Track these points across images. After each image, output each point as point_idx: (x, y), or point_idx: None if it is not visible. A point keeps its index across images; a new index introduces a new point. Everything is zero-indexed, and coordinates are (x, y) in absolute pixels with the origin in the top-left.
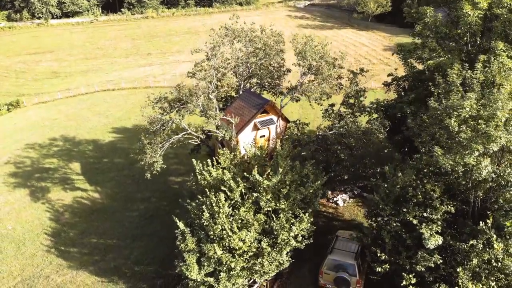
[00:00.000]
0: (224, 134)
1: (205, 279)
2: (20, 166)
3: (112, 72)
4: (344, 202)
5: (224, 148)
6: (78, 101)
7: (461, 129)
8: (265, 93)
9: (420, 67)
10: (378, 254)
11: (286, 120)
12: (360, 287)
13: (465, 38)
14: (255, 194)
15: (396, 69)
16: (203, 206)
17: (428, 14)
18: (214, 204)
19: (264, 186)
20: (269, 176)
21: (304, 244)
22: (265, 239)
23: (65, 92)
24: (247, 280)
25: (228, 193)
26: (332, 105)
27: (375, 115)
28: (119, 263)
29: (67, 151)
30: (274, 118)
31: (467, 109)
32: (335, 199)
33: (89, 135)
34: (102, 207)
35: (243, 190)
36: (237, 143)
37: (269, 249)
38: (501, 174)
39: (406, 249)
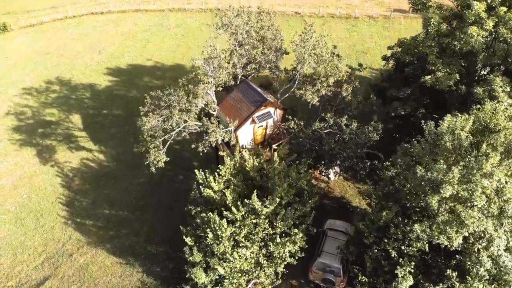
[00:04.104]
0: (223, 136)
1: None
2: (22, 118)
3: None
4: (336, 176)
5: (225, 152)
6: (67, 27)
7: (439, 210)
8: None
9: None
10: (359, 277)
11: (283, 109)
12: (343, 284)
13: (466, 50)
14: (254, 221)
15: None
16: (208, 229)
17: (432, 23)
18: (217, 228)
19: (264, 213)
20: (268, 206)
21: (297, 258)
22: (263, 251)
23: (51, 13)
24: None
25: (229, 216)
26: (329, 100)
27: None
28: (132, 241)
29: (65, 98)
30: (272, 110)
31: (448, 194)
32: (326, 171)
33: (84, 77)
34: (109, 171)
35: (243, 213)
36: (237, 140)
37: (266, 264)
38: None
39: (384, 273)
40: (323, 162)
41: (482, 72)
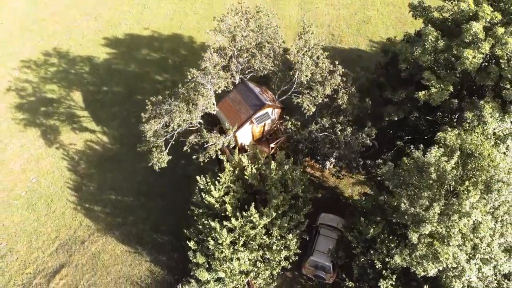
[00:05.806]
0: (223, 141)
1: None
2: (23, 95)
3: None
4: (330, 164)
5: (225, 156)
6: None
7: (418, 245)
8: None
9: None
10: (347, 283)
11: (281, 108)
12: (332, 278)
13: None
14: (252, 232)
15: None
16: (209, 238)
17: (429, 39)
18: (218, 236)
19: (261, 225)
20: (264, 218)
21: (291, 261)
22: (260, 254)
23: None
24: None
25: (229, 224)
26: (326, 104)
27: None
28: (139, 228)
29: (65, 73)
30: (270, 110)
31: (427, 232)
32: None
33: (82, 49)
34: (112, 154)
35: (242, 223)
36: (236, 141)
37: (263, 267)
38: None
39: (369, 279)
40: (318, 158)
41: (478, 83)
